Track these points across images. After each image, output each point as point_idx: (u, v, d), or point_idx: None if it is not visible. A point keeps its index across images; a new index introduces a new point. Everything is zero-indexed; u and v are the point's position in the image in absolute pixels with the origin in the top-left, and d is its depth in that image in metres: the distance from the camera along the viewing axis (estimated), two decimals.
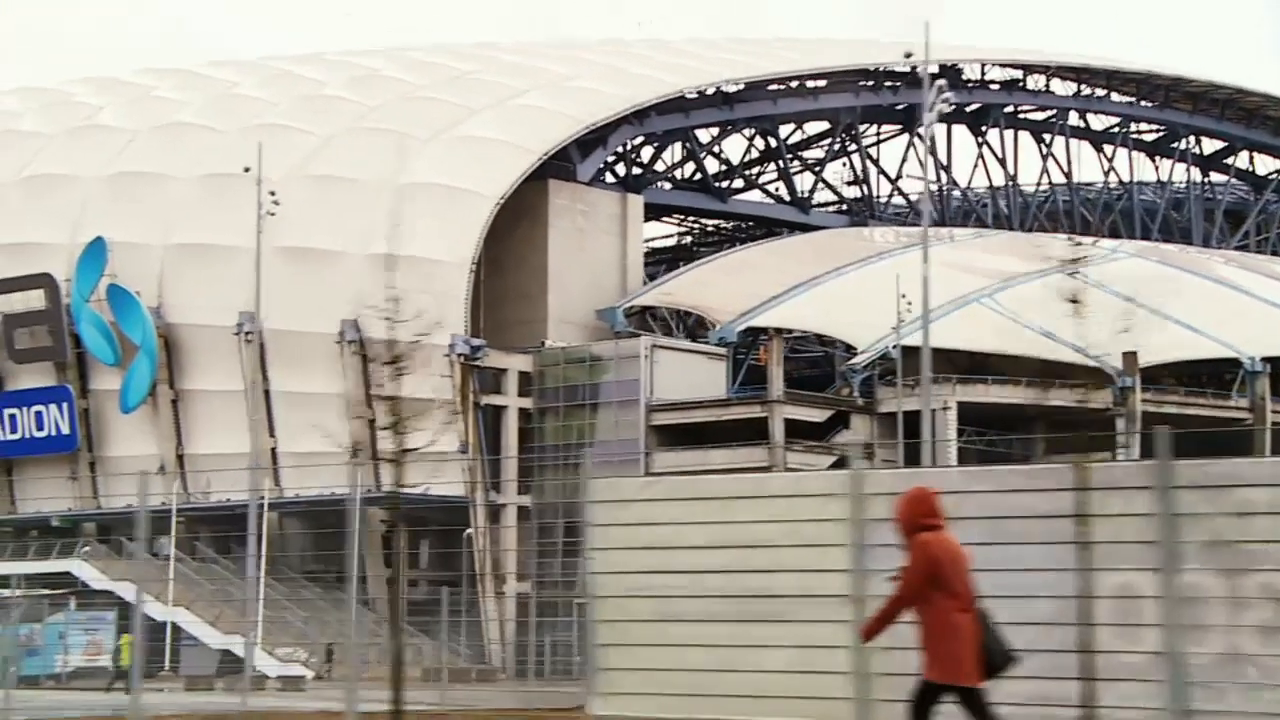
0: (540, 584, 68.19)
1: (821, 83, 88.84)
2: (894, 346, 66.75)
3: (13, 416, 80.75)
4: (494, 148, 71.58)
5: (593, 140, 75.02)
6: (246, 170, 61.54)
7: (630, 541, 16.10)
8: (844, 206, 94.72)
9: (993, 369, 67.75)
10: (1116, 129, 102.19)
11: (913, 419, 65.66)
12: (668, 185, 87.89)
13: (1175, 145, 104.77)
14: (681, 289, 75.96)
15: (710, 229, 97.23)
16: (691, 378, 68.82)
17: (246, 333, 73.09)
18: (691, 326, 74.96)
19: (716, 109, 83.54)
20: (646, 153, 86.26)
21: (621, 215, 76.86)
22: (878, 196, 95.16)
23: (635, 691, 15.74)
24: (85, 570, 67.28)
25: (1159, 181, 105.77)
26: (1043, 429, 65.55)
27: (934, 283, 71.40)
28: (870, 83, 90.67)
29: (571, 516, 68.26)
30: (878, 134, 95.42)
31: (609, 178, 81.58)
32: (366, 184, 71.96)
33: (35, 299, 79.07)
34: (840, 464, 66.82)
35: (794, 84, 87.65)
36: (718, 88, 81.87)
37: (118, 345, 76.88)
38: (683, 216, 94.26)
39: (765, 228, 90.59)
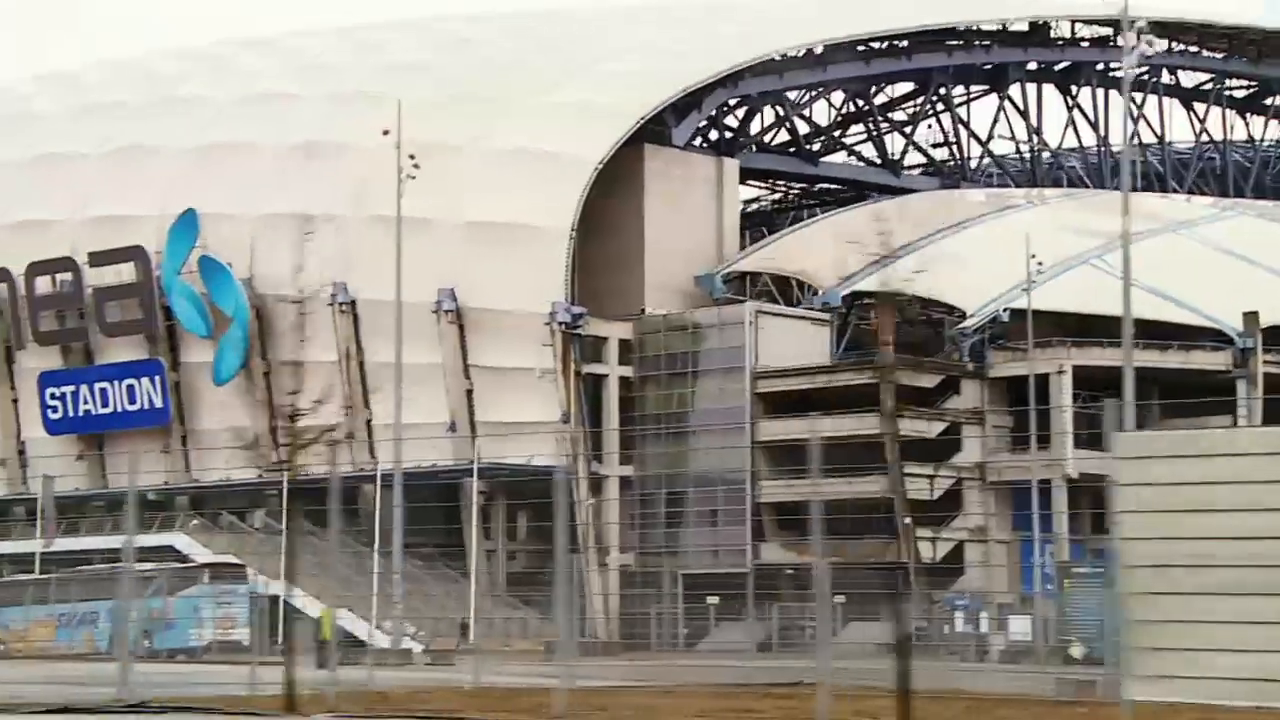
0: (643, 555, 65.46)
1: (905, 43, 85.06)
2: (1004, 310, 63.61)
3: (104, 390, 78.30)
4: (589, 112, 68.40)
5: (687, 104, 71.79)
6: (386, 133, 57.84)
7: (1167, 504, 13.23)
8: (932, 169, 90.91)
9: (1101, 331, 64.21)
10: (1209, 85, 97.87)
11: (1024, 384, 62.61)
12: (754, 149, 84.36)
13: (1268, 102, 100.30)
14: (781, 253, 72.73)
15: (796, 192, 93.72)
16: (795, 344, 65.82)
17: (341, 303, 70.46)
18: (790, 292, 71.54)
19: (809, 70, 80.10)
20: (735, 117, 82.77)
21: (717, 180, 73.62)
22: (968, 158, 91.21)
23: (1178, 675, 13.10)
24: (186, 543, 64.80)
25: (1250, 139, 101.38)
26: (1157, 393, 62.15)
27: (1040, 244, 68.37)
28: (959, 42, 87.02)
29: (673, 487, 65.75)
30: (967, 94, 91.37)
31: (696, 141, 78.24)
32: (459, 150, 69.13)
33: (126, 272, 76.62)
34: (951, 430, 63.79)
35: (884, 44, 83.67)
36: (809, 49, 78.17)
37: (210, 317, 74.30)
38: (770, 181, 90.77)
39: (854, 191, 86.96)
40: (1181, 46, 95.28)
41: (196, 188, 75.41)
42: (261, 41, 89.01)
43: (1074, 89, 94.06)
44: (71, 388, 79.32)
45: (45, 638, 47.73)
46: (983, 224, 72.51)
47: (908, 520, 58.54)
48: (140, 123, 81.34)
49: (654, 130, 70.42)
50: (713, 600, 61.41)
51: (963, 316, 65.19)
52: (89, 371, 79.00)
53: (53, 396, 79.98)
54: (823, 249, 70.76)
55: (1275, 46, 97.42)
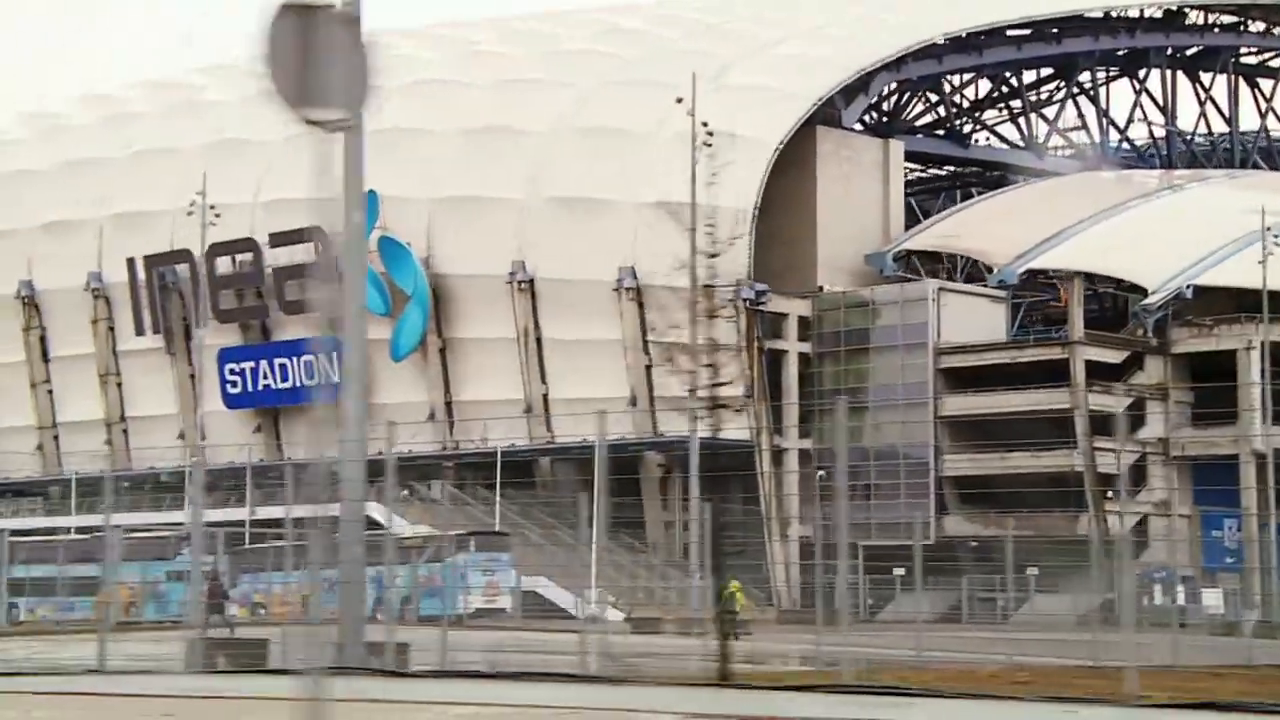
0: (825, 527, 62.19)
1: (1055, 29, 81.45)
2: (1187, 287, 60.12)
3: (283, 366, 76.08)
4: (763, 95, 65.34)
5: (854, 87, 68.57)
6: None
7: None
8: (1072, 152, 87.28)
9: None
10: None
11: (1207, 360, 59.27)
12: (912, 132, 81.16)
13: None
14: (951, 232, 69.41)
15: (945, 174, 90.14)
16: (972, 321, 62.72)
17: (519, 281, 67.86)
18: (954, 269, 68.26)
19: (965, 55, 76.67)
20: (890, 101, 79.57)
21: (884, 161, 70.64)
22: (1106, 141, 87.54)
23: None
24: (383, 512, 61.86)
25: None
26: None
27: (1206, 225, 64.78)
28: (1100, 28, 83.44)
29: (854, 460, 62.64)
30: (1107, 77, 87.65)
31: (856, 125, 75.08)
32: (635, 134, 66.51)
33: (304, 252, 73.92)
34: (1137, 405, 60.36)
35: (1032, 30, 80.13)
36: (969, 34, 74.72)
37: (389, 295, 71.70)
38: (923, 162, 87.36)
39: (1000, 172, 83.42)
40: None
41: (373, 171, 72.45)
42: (415, 32, 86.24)
43: (1205, 74, 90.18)
44: (251, 363, 77.40)
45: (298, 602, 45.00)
46: (1147, 203, 68.90)
47: (1109, 494, 55.10)
48: None
49: (825, 113, 67.37)
50: (899, 571, 58.19)
51: (1144, 294, 61.49)
52: (268, 348, 76.85)
53: (232, 372, 78.11)
54: (991, 228, 67.59)
55: None
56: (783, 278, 65.09)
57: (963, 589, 56.89)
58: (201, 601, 35.14)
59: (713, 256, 25.96)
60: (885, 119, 77.18)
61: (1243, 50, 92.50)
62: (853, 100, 69.03)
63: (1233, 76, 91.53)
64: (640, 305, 64.76)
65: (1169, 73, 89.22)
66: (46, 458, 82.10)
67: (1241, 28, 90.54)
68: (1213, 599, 54.31)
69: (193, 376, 79.63)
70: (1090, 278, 63.85)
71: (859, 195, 68.60)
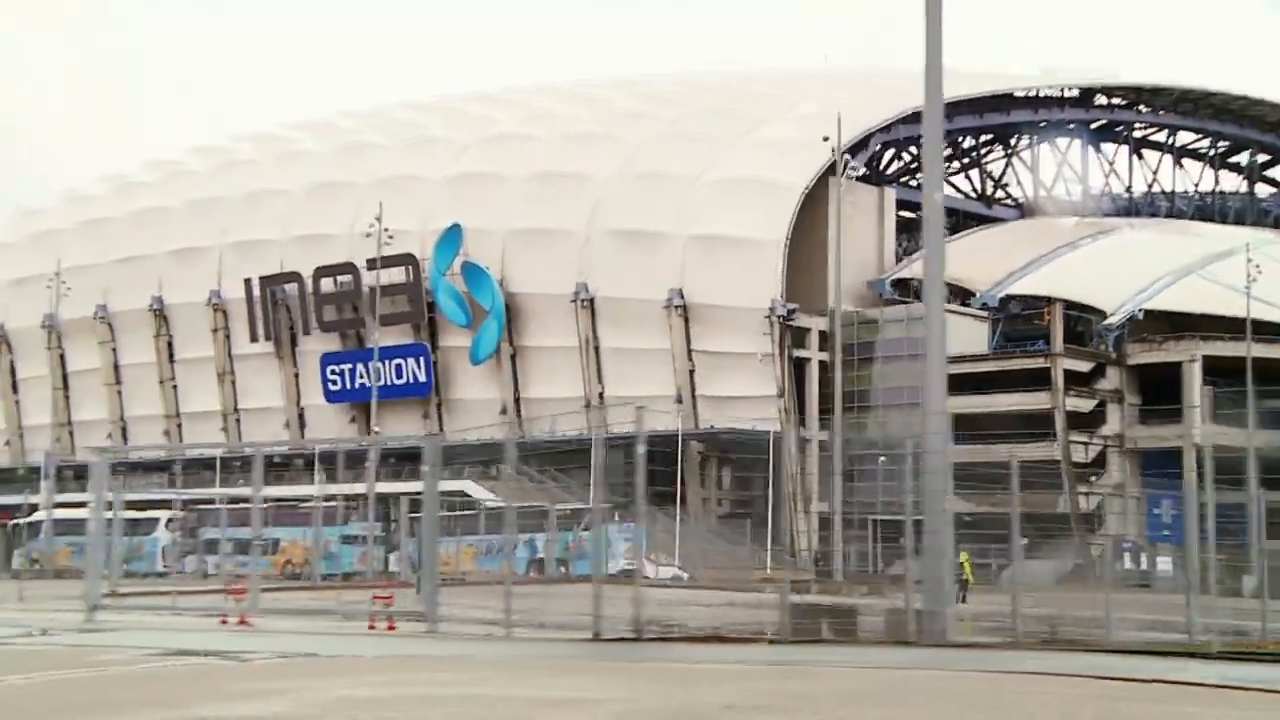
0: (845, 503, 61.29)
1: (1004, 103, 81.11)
2: (1139, 310, 59.53)
3: (376, 368, 74.31)
4: (790, 148, 64.55)
5: (858, 145, 67.68)
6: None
7: None
8: (1012, 202, 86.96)
9: (1211, 328, 60.09)
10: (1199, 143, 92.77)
11: (1155, 370, 58.68)
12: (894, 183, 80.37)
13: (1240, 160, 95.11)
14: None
15: (915, 217, 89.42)
16: (960, 336, 61.48)
17: (582, 300, 66.63)
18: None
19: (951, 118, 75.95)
20: (886, 155, 78.86)
21: (879, 205, 70.09)
22: (1040, 194, 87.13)
23: None
24: (473, 488, 60.59)
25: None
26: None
27: (1143, 260, 64.26)
28: (1033, 103, 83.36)
29: (866, 449, 61.70)
30: (1032, 143, 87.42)
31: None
32: (683, 179, 65.76)
33: (397, 274, 72.61)
34: (1100, 406, 59.70)
35: (985, 104, 79.69)
36: (963, 98, 74.03)
37: (470, 310, 70.55)
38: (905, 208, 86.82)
39: (956, 218, 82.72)
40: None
41: (455, 208, 71.65)
42: (485, 96, 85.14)
43: (1106, 144, 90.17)
44: (349, 366, 75.97)
45: (468, 565, 43.91)
46: (1094, 242, 68.55)
47: (1092, 479, 54.32)
48: (397, 159, 77.72)
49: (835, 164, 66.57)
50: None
51: (1102, 315, 60.85)
52: (363, 353, 75.12)
53: (332, 372, 76.67)
54: (968, 260, 66.71)
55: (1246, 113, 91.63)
56: (801, 300, 64.04)
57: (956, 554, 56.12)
58: (410, 560, 32.74)
59: None
60: (878, 171, 76.26)
61: (1136, 125, 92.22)
62: (856, 155, 67.96)
63: (1129, 147, 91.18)
64: (686, 320, 63.72)
65: (1079, 141, 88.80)
66: (171, 440, 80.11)
67: (1133, 108, 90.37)
68: (1164, 564, 53.62)
69: (296, 376, 78.24)
70: (1050, 301, 63.09)
71: (860, 232, 67.67)
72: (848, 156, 64.83)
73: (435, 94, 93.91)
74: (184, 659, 18.54)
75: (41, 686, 15.32)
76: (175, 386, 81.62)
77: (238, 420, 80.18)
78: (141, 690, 15.10)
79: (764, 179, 63.29)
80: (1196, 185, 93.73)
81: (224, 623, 25.92)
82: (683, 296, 63.50)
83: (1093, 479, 58.29)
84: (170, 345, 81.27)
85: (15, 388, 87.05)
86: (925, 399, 24.21)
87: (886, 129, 70.28)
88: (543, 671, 17.03)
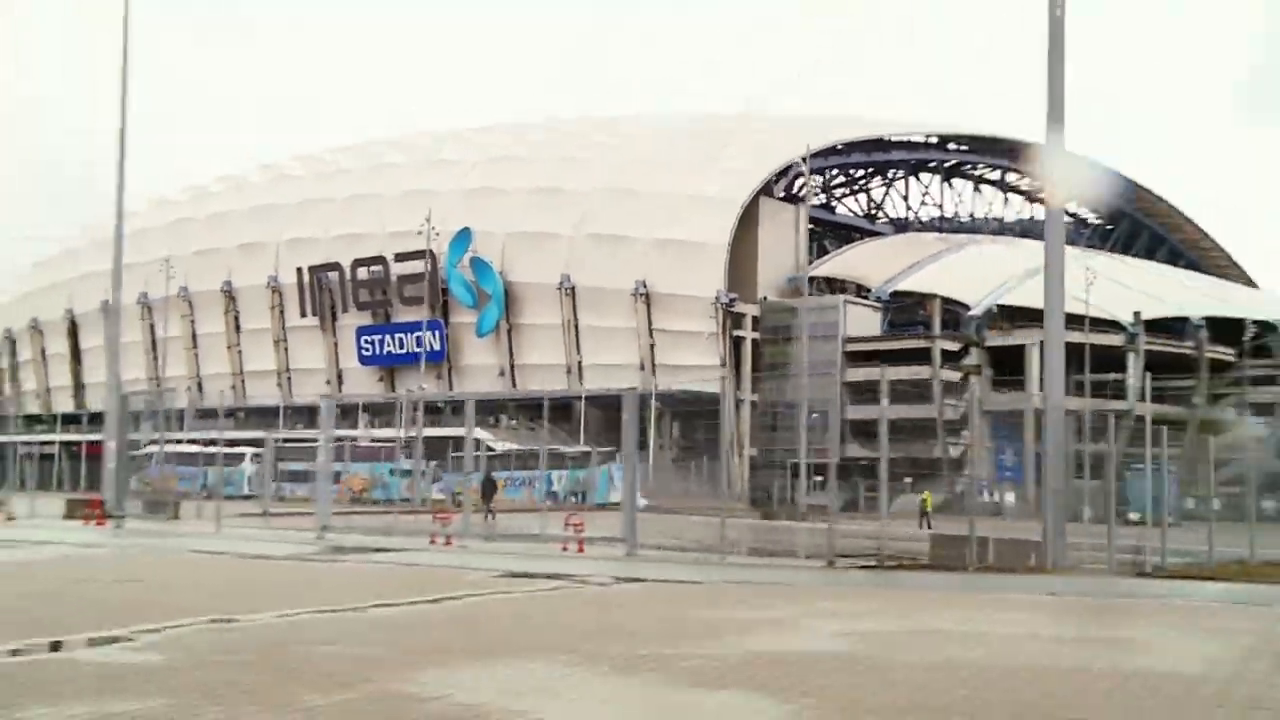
0: (766, 450, 62.75)
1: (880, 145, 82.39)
2: (995, 305, 61.34)
3: (400, 338, 75.10)
4: (730, 174, 65.80)
5: (781, 172, 68.97)
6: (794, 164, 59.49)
7: None
8: (887, 222, 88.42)
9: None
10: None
11: (1006, 350, 60.48)
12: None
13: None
14: (840, 265, 70.25)
15: (817, 229, 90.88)
16: (860, 321, 63.37)
17: (566, 288, 67.40)
18: (845, 288, 68.77)
19: (839, 155, 77.63)
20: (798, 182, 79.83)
21: (795, 220, 71.09)
22: (909, 217, 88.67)
23: None
24: (481, 434, 60.92)
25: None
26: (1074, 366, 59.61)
27: (995, 267, 65.99)
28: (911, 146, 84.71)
29: (788, 407, 63.13)
30: (903, 175, 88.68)
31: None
32: (648, 196, 66.71)
33: (417, 265, 73.09)
34: (965, 378, 61.45)
35: (868, 145, 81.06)
36: (838, 144, 75.39)
37: (476, 295, 71.13)
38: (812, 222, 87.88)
39: (848, 231, 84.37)
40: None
41: (466, 215, 72.03)
42: (492, 128, 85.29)
43: (955, 179, 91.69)
44: (378, 337, 76.27)
45: (500, 495, 44.26)
46: (956, 253, 70.27)
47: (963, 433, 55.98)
48: (412, 175, 77.88)
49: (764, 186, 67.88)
50: (818, 478, 58.63)
51: (967, 307, 62.67)
52: (390, 326, 75.72)
53: (365, 342, 76.87)
54: (861, 263, 68.39)
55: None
56: (738, 290, 65.30)
57: (859, 490, 57.58)
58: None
59: None
60: (793, 194, 77.57)
61: (977, 165, 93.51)
62: (779, 181, 69.30)
63: (972, 182, 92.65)
64: (648, 306, 64.81)
65: (936, 176, 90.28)
66: (236, 394, 79.87)
67: (975, 154, 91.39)
68: (1010, 498, 55.23)
69: (336, 344, 78.34)
70: (929, 296, 64.76)
71: (781, 240, 68.93)
72: (774, 179, 66.41)
73: (448, 125, 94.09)
74: (531, 581, 16.41)
75: (495, 609, 13.06)
76: (240, 351, 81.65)
77: (289, 378, 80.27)
78: (654, 612, 12.86)
79: (710, 197, 64.43)
80: (1019, 213, 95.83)
81: (433, 543, 23.89)
82: (646, 287, 64.58)
83: (959, 432, 60.03)
84: (237, 319, 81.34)
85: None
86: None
87: (803, 161, 71.27)
88: (918, 600, 14.97)
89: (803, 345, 60.75)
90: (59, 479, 76.57)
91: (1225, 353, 64.61)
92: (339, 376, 78.96)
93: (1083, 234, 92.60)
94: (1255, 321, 65.54)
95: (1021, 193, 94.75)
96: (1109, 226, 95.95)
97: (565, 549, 23.27)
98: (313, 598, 13.42)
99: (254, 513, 34.30)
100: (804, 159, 62.65)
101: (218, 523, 27.47)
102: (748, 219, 65.94)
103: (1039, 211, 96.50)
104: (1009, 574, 19.22)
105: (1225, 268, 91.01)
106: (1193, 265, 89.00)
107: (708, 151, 68.83)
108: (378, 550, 22.11)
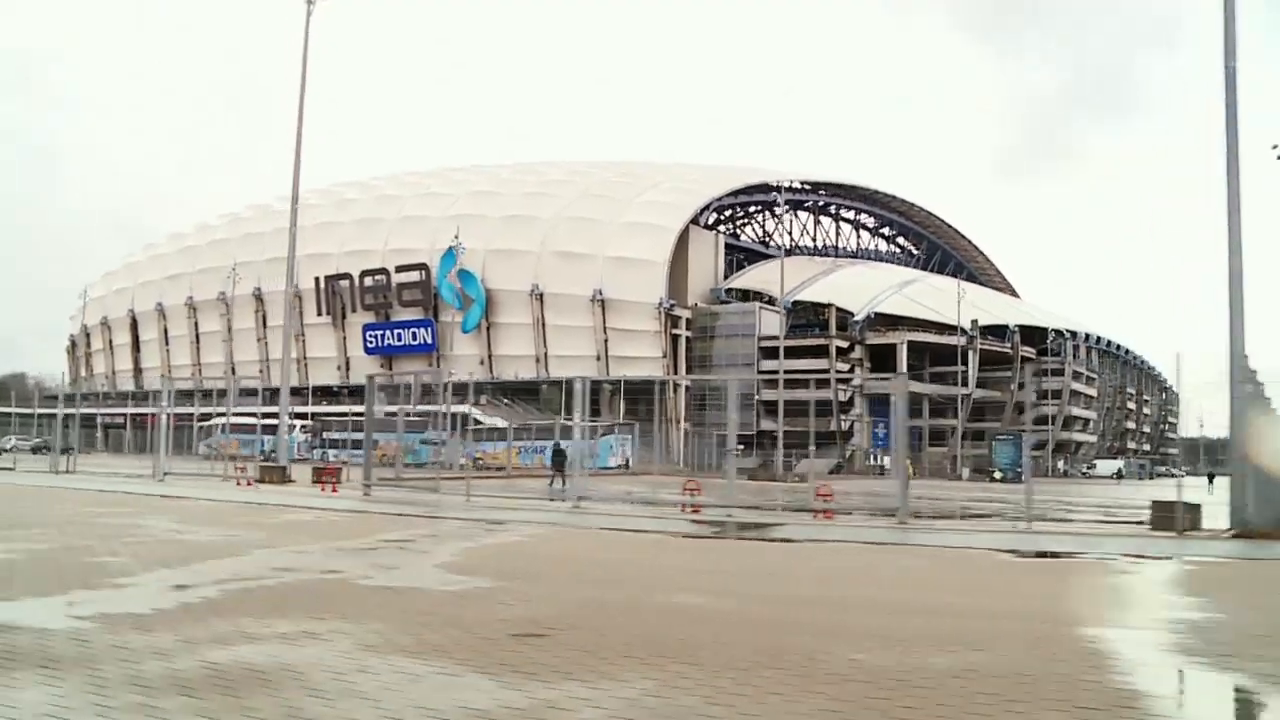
0: (697, 425, 56.19)
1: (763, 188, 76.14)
2: (873, 312, 55.75)
3: (399, 333, 66.75)
4: (669, 206, 59.15)
5: (707, 207, 62.47)
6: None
7: None
8: (776, 247, 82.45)
9: (913, 326, 56.70)
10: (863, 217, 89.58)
11: (881, 348, 55.04)
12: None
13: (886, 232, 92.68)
14: (751, 279, 64.05)
15: (728, 252, 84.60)
16: (769, 324, 57.27)
17: (535, 294, 59.80)
18: (757, 298, 62.44)
19: (747, 194, 71.66)
20: (713, 215, 73.43)
21: (716, 244, 64.98)
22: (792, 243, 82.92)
23: None
24: (477, 411, 53.31)
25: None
26: (929, 360, 54.59)
27: (870, 283, 60.46)
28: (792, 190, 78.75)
29: (713, 390, 56.77)
30: (788, 210, 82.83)
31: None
32: (602, 222, 59.87)
33: (413, 275, 64.84)
34: (851, 369, 55.78)
35: (760, 187, 74.83)
36: (747, 186, 69.12)
37: (461, 299, 63.14)
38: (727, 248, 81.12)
39: (751, 254, 78.14)
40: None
41: (450, 235, 63.84)
42: (471, 169, 76.90)
43: (824, 217, 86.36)
44: (381, 331, 67.72)
45: (514, 460, 36.93)
46: (839, 270, 64.76)
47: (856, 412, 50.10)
48: (411, 204, 69.58)
49: (693, 217, 61.19)
50: (740, 447, 52.27)
51: (852, 314, 57.03)
52: (390, 324, 67.35)
53: (370, 335, 68.19)
54: (767, 277, 62.15)
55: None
56: (676, 297, 58.83)
57: (773, 456, 51.62)
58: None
59: None
60: (713, 224, 71.10)
61: (841, 207, 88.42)
62: (704, 213, 62.67)
63: (834, 219, 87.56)
64: (604, 309, 57.85)
65: (810, 214, 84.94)
66: (263, 377, 70.42)
67: (837, 197, 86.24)
68: (886, 461, 49.98)
69: (345, 338, 69.55)
70: (825, 305, 58.90)
71: (705, 259, 62.46)
72: (700, 212, 59.75)
73: (434, 165, 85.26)
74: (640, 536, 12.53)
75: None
76: (266, 344, 72.08)
77: (306, 366, 71.07)
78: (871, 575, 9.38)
79: (653, 224, 58.02)
80: (870, 245, 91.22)
81: (690, 511, 17.36)
82: (602, 295, 57.72)
83: (848, 410, 54.49)
84: (264, 317, 71.87)
85: (167, 340, 76.21)
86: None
87: (720, 198, 65.24)
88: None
89: (725, 342, 54.33)
90: (130, 444, 66.50)
91: (1028, 351, 60.58)
92: (347, 363, 70.22)
93: (911, 261, 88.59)
94: (1054, 329, 61.66)
95: (868, 229, 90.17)
96: (928, 256, 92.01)
97: (684, 509, 17.77)
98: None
99: (387, 478, 24.51)
100: (717, 199, 56.22)
101: (468, 495, 18.87)
102: (681, 242, 59.65)
103: (880, 244, 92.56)
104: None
105: (1002, 287, 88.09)
106: (980, 284, 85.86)
107: (647, 188, 62.14)
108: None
